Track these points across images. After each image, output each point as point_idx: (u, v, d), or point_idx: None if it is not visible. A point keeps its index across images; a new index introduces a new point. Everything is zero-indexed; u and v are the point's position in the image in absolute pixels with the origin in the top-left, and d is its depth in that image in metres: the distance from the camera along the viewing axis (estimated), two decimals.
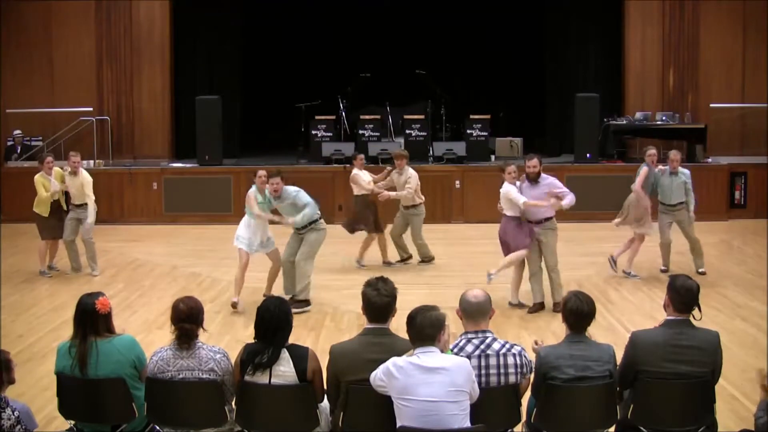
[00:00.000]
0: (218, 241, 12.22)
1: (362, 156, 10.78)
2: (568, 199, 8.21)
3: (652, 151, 9.98)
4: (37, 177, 9.96)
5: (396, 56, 16.52)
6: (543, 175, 8.35)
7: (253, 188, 8.64)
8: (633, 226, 9.69)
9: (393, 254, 10.55)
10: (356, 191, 10.38)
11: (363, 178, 10.35)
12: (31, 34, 15.54)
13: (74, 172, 9.98)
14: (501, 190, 8.39)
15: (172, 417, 4.34)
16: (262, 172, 8.64)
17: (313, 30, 17.07)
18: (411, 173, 10.17)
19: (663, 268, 9.96)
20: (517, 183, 8.41)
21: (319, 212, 8.65)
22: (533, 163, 8.29)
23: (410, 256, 10.51)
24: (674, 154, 9.87)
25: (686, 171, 9.84)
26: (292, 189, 8.52)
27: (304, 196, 8.49)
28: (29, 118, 15.34)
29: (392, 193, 10.17)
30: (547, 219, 8.36)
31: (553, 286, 8.41)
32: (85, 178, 10.02)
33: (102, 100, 15.63)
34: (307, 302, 8.49)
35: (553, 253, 8.41)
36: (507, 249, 8.44)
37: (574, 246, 11.08)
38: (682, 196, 9.70)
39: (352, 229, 10.50)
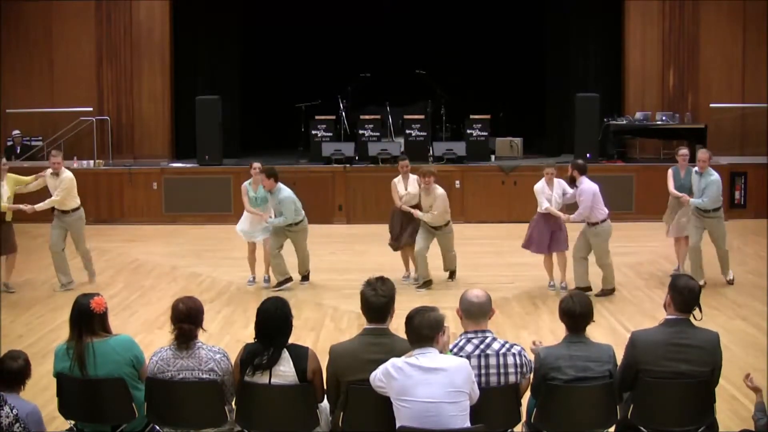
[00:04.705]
0: (218, 241, 12.23)
1: (406, 162, 9.56)
2: (575, 214, 8.83)
3: (683, 151, 9.54)
4: None
5: (396, 56, 16.49)
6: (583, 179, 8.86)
7: (247, 182, 9.32)
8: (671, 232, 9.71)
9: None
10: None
11: (396, 190, 9.44)
12: (31, 34, 15.54)
13: (56, 173, 9.24)
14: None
15: (172, 417, 4.35)
16: (256, 164, 9.30)
17: (313, 30, 17.05)
18: (438, 194, 9.02)
19: (675, 268, 9.77)
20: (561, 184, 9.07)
21: (300, 215, 9.17)
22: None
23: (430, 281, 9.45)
24: (702, 154, 9.08)
25: (713, 175, 9.00)
26: (284, 193, 8.98)
27: (287, 206, 8.95)
28: (29, 118, 15.35)
29: (419, 214, 9.12)
30: (593, 224, 8.76)
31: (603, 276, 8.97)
32: (66, 177, 9.23)
33: (102, 100, 15.62)
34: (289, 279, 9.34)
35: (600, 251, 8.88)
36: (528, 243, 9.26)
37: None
38: (715, 202, 9.01)
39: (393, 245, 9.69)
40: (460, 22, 17.12)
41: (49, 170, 9.33)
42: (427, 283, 9.34)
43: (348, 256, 11.17)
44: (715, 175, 9.04)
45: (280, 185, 9.07)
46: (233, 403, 4.37)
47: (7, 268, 9.37)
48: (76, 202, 9.45)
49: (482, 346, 4.23)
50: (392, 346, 4.16)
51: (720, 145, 14.57)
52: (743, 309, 8.41)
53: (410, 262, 9.66)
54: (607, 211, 8.82)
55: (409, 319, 4.03)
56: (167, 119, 15.87)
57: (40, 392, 5.73)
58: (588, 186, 8.70)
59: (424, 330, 3.96)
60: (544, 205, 8.94)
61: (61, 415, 4.63)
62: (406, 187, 9.42)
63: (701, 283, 8.60)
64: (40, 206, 9.19)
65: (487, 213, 13.83)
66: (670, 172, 9.67)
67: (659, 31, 15.30)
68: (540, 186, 9.06)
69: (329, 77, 16.18)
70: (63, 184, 9.20)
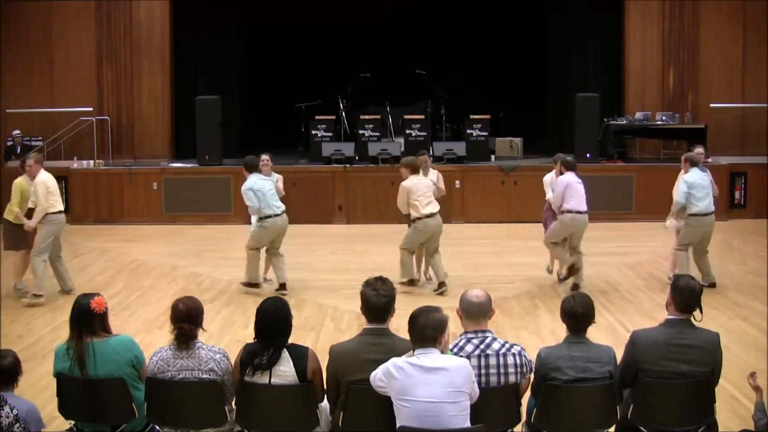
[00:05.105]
0: (218, 241, 12.24)
1: (425, 158, 9.76)
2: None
3: (698, 150, 9.41)
4: (19, 180, 9.01)
5: (396, 56, 16.51)
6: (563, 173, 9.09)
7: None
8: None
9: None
10: None
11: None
12: (31, 34, 15.55)
13: (32, 177, 8.75)
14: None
15: (172, 417, 4.34)
16: (265, 156, 9.35)
17: (313, 30, 17.06)
18: (400, 185, 9.10)
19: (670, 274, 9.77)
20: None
21: (265, 212, 8.81)
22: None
23: (444, 284, 9.13)
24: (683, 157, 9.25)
25: (686, 175, 8.96)
26: (246, 183, 8.88)
27: (246, 197, 8.86)
28: (29, 118, 15.34)
29: None
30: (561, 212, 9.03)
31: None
32: (39, 180, 8.66)
33: (102, 100, 15.63)
34: (256, 285, 9.16)
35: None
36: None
37: None
38: (688, 206, 8.88)
39: None
40: (460, 22, 17.14)
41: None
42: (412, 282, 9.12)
43: (348, 256, 11.16)
44: (687, 175, 8.94)
45: (251, 176, 8.90)
46: (233, 403, 4.37)
47: (21, 266, 9.21)
48: (55, 207, 8.86)
49: (482, 346, 4.23)
50: (392, 346, 4.16)
51: (720, 145, 14.60)
52: (743, 309, 8.40)
53: (422, 263, 9.55)
54: (581, 207, 8.87)
55: (413, 319, 4.02)
56: (167, 119, 15.87)
57: (40, 392, 5.74)
58: (563, 177, 8.97)
59: (428, 330, 3.96)
60: (547, 196, 9.42)
61: (61, 415, 4.62)
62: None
63: (710, 282, 8.83)
64: (34, 221, 8.83)
65: (487, 213, 13.84)
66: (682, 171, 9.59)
67: (659, 31, 15.30)
68: (548, 178, 9.50)
69: (329, 77, 16.19)
70: (37, 192, 8.69)
